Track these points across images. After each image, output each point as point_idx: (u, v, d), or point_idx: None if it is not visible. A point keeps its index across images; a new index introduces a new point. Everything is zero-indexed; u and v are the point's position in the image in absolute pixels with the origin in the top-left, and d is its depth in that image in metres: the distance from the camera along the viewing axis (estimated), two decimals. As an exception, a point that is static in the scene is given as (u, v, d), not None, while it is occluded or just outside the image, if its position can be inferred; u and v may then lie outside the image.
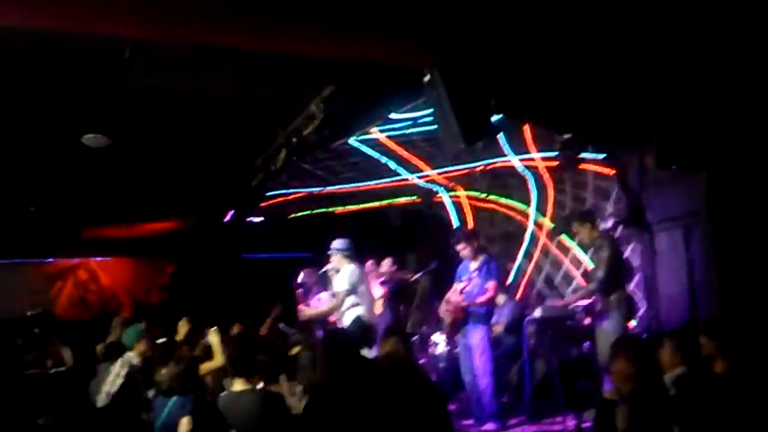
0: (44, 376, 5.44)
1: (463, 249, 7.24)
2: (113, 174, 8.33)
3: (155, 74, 5.32)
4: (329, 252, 7.47)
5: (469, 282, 7.13)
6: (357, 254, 7.50)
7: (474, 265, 7.18)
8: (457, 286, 7.18)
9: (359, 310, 7.17)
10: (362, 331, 6.29)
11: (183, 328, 6.71)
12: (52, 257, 12.63)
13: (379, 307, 8.23)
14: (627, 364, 3.57)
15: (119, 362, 6.02)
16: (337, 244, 7.44)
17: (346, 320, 7.19)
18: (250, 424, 4.29)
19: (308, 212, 11.42)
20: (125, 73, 5.02)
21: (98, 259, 12.96)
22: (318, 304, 9.58)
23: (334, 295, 7.55)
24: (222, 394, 4.71)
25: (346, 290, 7.22)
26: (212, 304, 7.46)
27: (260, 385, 4.96)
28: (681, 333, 4.21)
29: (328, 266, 7.60)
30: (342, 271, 7.34)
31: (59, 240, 11.53)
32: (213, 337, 5.94)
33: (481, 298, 7.02)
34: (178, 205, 10.06)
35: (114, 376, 5.86)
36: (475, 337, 6.92)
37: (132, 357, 6.07)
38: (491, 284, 7.01)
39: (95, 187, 8.84)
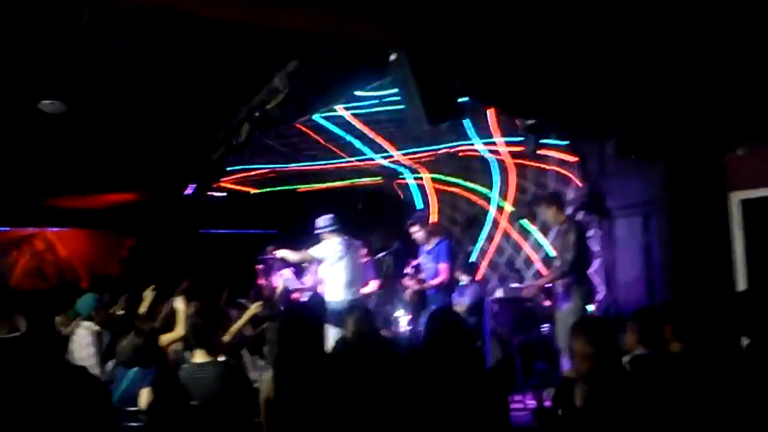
0: (-1, 341, 5.34)
1: (416, 232, 7.31)
2: (71, 142, 8.15)
3: (115, 40, 5.18)
4: (317, 232, 7.42)
5: (418, 266, 7.25)
6: (343, 228, 7.45)
7: (427, 248, 7.27)
8: (408, 270, 7.33)
9: (341, 286, 7.13)
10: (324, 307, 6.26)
11: (148, 297, 6.60)
12: (7, 226, 12.36)
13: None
14: (586, 345, 3.63)
15: (81, 330, 5.96)
16: (320, 222, 7.41)
17: (329, 295, 7.16)
18: (211, 396, 4.27)
19: (271, 189, 11.33)
20: (83, 37, 4.88)
21: (55, 229, 12.72)
22: (279, 281, 9.57)
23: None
24: (183, 366, 4.69)
25: (317, 258, 7.28)
26: (172, 278, 7.37)
27: (221, 358, 4.94)
28: (642, 315, 4.30)
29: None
30: (324, 242, 7.33)
31: (14, 209, 11.26)
32: (179, 304, 5.88)
33: (434, 281, 7.09)
34: (137, 176, 9.90)
35: (83, 343, 5.84)
36: (431, 316, 6.96)
37: (91, 325, 6.01)
38: (443, 266, 7.07)
39: (52, 156, 8.63)
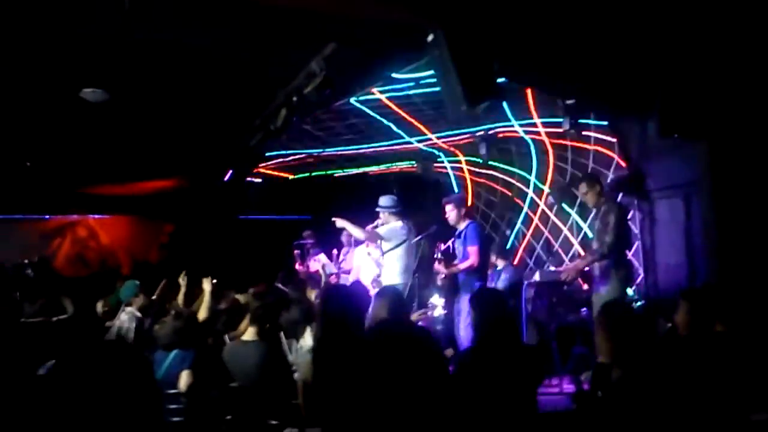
0: (47, 324, 5.48)
1: (449, 212, 7.25)
2: (112, 130, 8.27)
3: (155, 27, 5.24)
4: (378, 210, 7.45)
5: (447, 249, 7.20)
6: (404, 211, 7.46)
7: (458, 231, 7.24)
8: (435, 254, 7.28)
9: (398, 271, 7.16)
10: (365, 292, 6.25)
11: (183, 284, 6.70)
12: (50, 214, 12.60)
13: None
14: (604, 341, 3.53)
15: (123, 315, 6.10)
16: (384, 201, 7.41)
17: (385, 279, 7.19)
18: (252, 374, 4.32)
19: (307, 174, 11.39)
20: (125, 25, 4.94)
21: (97, 216, 12.95)
22: (316, 265, 9.64)
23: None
24: (229, 343, 4.75)
25: (383, 237, 7.23)
26: (211, 264, 7.47)
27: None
28: (693, 294, 4.24)
29: (378, 222, 7.50)
30: (389, 225, 7.34)
31: (57, 196, 11.48)
32: (206, 285, 5.96)
33: (463, 264, 7.05)
34: (176, 163, 10.02)
35: (124, 325, 5.97)
36: (465, 303, 6.93)
37: (133, 311, 6.15)
38: (472, 249, 7.00)
39: (94, 143, 8.78)
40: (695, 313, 3.99)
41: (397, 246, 7.20)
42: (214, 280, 6.13)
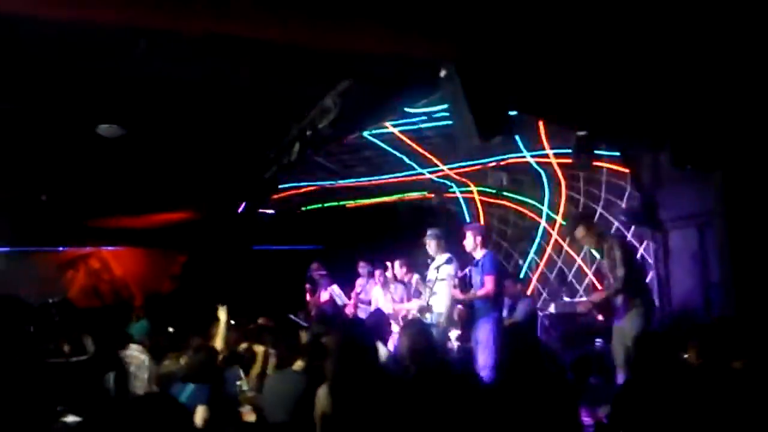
0: (66, 365, 5.43)
1: (468, 238, 7.26)
2: (126, 164, 8.35)
3: (171, 64, 5.32)
4: (425, 239, 7.49)
5: (463, 277, 7.22)
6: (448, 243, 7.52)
7: (476, 260, 7.25)
8: (452, 283, 7.31)
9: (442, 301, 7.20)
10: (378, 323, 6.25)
11: (222, 317, 6.56)
12: (64, 246, 12.68)
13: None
14: None
15: (134, 352, 6.05)
16: (433, 230, 7.46)
17: (437, 309, 7.21)
18: (288, 405, 4.36)
19: (319, 205, 11.44)
20: (140, 62, 5.02)
21: (110, 248, 13.01)
22: (325, 295, 9.66)
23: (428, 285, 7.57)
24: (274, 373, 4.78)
25: (449, 276, 7.25)
26: (223, 295, 7.48)
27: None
28: (702, 332, 4.22)
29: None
30: (438, 259, 7.36)
31: (71, 229, 11.56)
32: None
33: (480, 292, 7.03)
34: (190, 195, 10.09)
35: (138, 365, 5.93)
36: (482, 332, 6.91)
37: (138, 349, 6.05)
38: (488, 278, 6.98)
39: (108, 177, 8.87)
40: (703, 349, 3.97)
41: (445, 278, 7.25)
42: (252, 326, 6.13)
